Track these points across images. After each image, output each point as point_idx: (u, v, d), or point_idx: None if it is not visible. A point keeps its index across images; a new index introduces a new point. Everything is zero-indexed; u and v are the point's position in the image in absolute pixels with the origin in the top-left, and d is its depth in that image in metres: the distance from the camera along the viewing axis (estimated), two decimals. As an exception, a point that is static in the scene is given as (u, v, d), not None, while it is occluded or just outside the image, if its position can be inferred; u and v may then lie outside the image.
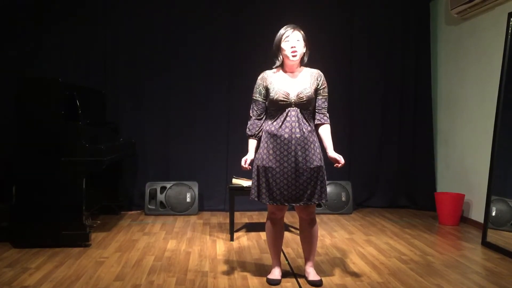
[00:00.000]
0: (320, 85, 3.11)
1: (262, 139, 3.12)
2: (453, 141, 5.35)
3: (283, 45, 3.03)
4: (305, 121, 3.05)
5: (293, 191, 3.02)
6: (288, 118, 3.02)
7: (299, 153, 3.01)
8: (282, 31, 3.06)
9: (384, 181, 5.82)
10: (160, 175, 5.55)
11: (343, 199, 5.47)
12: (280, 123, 3.03)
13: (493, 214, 4.17)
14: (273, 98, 3.04)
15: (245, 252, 3.91)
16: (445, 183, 5.54)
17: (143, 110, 5.53)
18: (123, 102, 5.50)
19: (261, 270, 3.44)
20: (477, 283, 3.19)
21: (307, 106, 3.06)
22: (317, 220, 3.28)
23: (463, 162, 5.12)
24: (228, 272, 3.41)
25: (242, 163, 3.10)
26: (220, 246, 4.09)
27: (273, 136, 3.04)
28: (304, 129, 3.03)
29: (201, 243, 4.19)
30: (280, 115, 3.05)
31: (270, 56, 3.15)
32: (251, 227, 4.78)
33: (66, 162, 3.94)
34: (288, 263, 3.61)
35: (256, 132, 3.14)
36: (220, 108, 5.59)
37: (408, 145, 5.81)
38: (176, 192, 5.39)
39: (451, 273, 3.39)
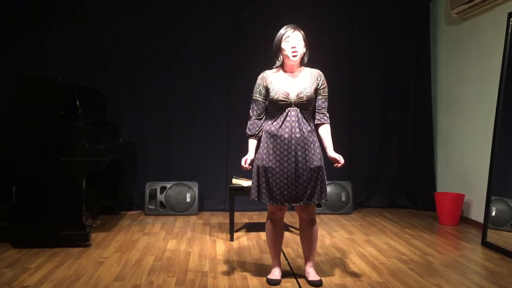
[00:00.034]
0: (320, 85, 3.11)
1: (262, 139, 3.12)
2: (453, 141, 5.35)
3: (283, 45, 3.03)
4: (305, 121, 3.05)
5: (293, 191, 3.02)
6: (288, 118, 3.02)
7: (299, 153, 3.01)
8: (282, 31, 3.06)
9: (384, 181, 5.82)
10: (160, 175, 5.55)
11: (343, 199, 5.47)
12: (280, 123, 3.03)
13: (493, 214, 4.17)
14: (273, 98, 3.04)
15: (245, 252, 3.91)
16: (445, 183, 5.55)
17: (143, 110, 5.54)
18: (123, 102, 5.50)
19: (261, 270, 3.44)
20: (477, 283, 3.19)
21: (307, 106, 3.06)
22: (317, 220, 3.28)
23: (463, 162, 5.12)
24: (228, 272, 3.41)
25: (242, 163, 3.10)
26: (220, 246, 4.10)
27: (273, 136, 3.04)
28: (304, 129, 3.03)
29: (201, 243, 4.19)
30: (280, 115, 3.05)
31: (270, 56, 3.15)
32: (251, 227, 4.78)
33: (66, 162, 3.94)
34: (288, 263, 3.61)
35: (256, 132, 3.14)
36: (220, 108, 5.59)
37: (408, 145, 5.81)
38: (176, 192, 5.39)
39: (451, 273, 3.40)
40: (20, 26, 5.23)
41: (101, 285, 3.13)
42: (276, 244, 3.23)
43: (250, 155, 3.14)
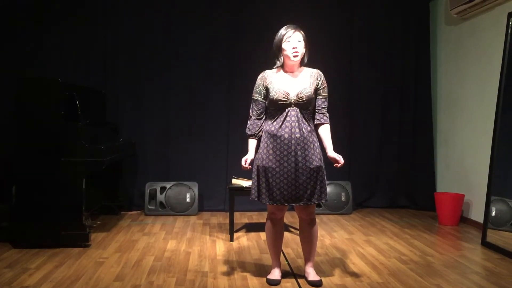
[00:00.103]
0: (320, 85, 3.11)
1: (262, 139, 3.12)
2: (453, 141, 5.35)
3: (284, 45, 3.03)
4: (304, 121, 3.05)
5: (293, 191, 3.02)
6: (288, 118, 3.02)
7: (299, 153, 3.01)
8: (283, 31, 3.06)
9: (384, 181, 5.82)
10: (160, 175, 5.55)
11: (343, 199, 5.47)
12: (280, 123, 3.03)
13: (493, 214, 4.17)
14: (273, 98, 3.04)
15: (245, 253, 3.91)
16: (445, 183, 5.54)
17: (143, 110, 5.54)
18: (123, 102, 5.50)
19: (261, 270, 3.44)
20: (477, 283, 3.19)
21: (307, 106, 3.06)
22: (317, 220, 3.28)
23: (463, 162, 5.12)
24: (228, 273, 3.41)
25: (242, 162, 3.10)
26: (220, 247, 4.10)
27: (273, 136, 3.04)
28: (303, 129, 3.03)
29: (201, 244, 4.19)
30: (280, 115, 3.05)
31: (270, 56, 3.15)
32: (251, 228, 4.78)
33: (66, 162, 3.94)
34: (288, 263, 3.61)
35: (256, 132, 3.14)
36: (220, 108, 5.59)
37: (408, 145, 5.81)
38: (176, 193, 5.39)
39: (451, 273, 3.40)
40: (20, 26, 5.23)
41: (101, 285, 3.13)
42: (276, 244, 3.23)
43: (250, 155, 3.14)
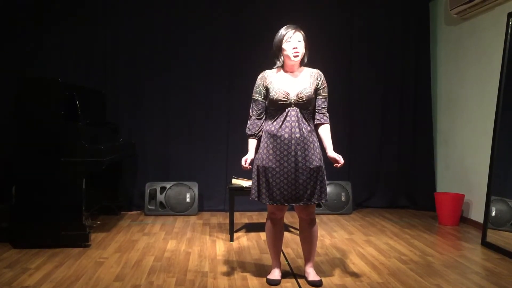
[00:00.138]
0: (320, 85, 3.11)
1: (262, 139, 3.12)
2: (453, 141, 5.35)
3: (284, 45, 3.03)
4: (304, 121, 3.05)
5: (293, 191, 3.02)
6: (288, 118, 3.02)
7: (299, 153, 3.01)
8: (283, 31, 3.06)
9: (384, 181, 5.82)
10: (160, 176, 5.55)
11: (343, 199, 5.47)
12: (280, 123, 3.03)
13: (493, 214, 4.17)
14: (273, 98, 3.04)
15: (245, 253, 3.91)
16: (445, 183, 5.54)
17: (143, 110, 5.53)
18: (123, 102, 5.50)
19: (261, 270, 3.44)
20: (477, 283, 3.19)
21: (307, 106, 3.06)
22: (317, 220, 3.28)
23: (463, 162, 5.12)
24: (228, 273, 3.41)
25: (242, 162, 3.10)
26: (220, 247, 4.10)
27: (273, 136, 3.04)
28: (303, 129, 3.03)
29: (200, 244, 4.19)
30: (280, 115, 3.05)
31: (270, 56, 3.15)
32: (251, 228, 4.78)
33: (66, 162, 3.94)
34: (288, 263, 3.61)
35: (256, 132, 3.14)
36: (220, 108, 5.59)
37: (408, 145, 5.81)
38: (176, 193, 5.39)
39: (451, 273, 3.40)
40: (20, 26, 5.23)
41: (101, 286, 3.13)
42: (276, 244, 3.23)
43: (250, 155, 3.14)
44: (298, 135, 3.01)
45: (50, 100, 4.00)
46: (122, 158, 5.10)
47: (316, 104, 3.13)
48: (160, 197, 5.36)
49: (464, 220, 5.01)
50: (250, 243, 4.19)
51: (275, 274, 3.22)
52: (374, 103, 5.79)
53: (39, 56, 5.26)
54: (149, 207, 5.34)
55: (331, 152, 3.09)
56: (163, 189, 5.38)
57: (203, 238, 4.37)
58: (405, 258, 3.75)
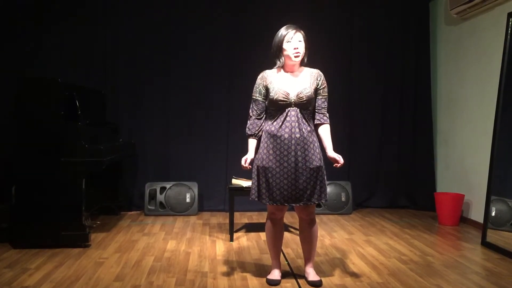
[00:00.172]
0: (320, 85, 3.11)
1: (262, 139, 3.12)
2: (453, 141, 5.35)
3: (285, 45, 3.03)
4: (304, 121, 3.05)
5: (293, 191, 3.02)
6: (288, 118, 3.02)
7: (299, 153, 3.01)
8: (283, 32, 3.05)
9: (384, 181, 5.82)
10: (160, 176, 5.55)
11: (343, 199, 5.47)
12: (280, 123, 3.03)
13: (493, 214, 4.17)
14: (273, 98, 3.04)
15: (245, 253, 3.91)
16: (445, 183, 5.54)
17: (143, 110, 5.53)
18: (123, 102, 5.50)
19: (260, 270, 3.44)
20: (477, 283, 3.19)
21: (307, 106, 3.06)
22: (317, 220, 3.28)
23: (463, 162, 5.12)
24: (228, 273, 3.41)
25: (242, 162, 3.10)
26: (219, 247, 4.09)
27: (273, 136, 3.04)
28: (303, 129, 3.03)
29: (200, 244, 4.19)
30: (280, 115, 3.05)
31: (270, 56, 3.15)
32: (250, 228, 4.78)
33: (66, 162, 3.94)
34: (288, 263, 3.61)
35: (256, 132, 3.14)
36: (220, 108, 5.59)
37: (408, 145, 5.81)
38: (176, 193, 5.38)
39: (451, 274, 3.39)
40: (20, 26, 5.23)
41: (101, 286, 3.13)
42: (276, 244, 3.23)
43: (250, 155, 3.14)
44: (298, 135, 3.01)
45: (50, 100, 4.00)
46: (122, 158, 5.10)
47: (316, 104, 3.13)
48: (160, 197, 5.36)
49: (464, 220, 5.01)
50: (250, 243, 4.19)
51: (275, 274, 3.22)
52: (374, 103, 5.79)
53: (39, 56, 5.26)
54: (149, 207, 5.34)
55: (331, 152, 3.09)
56: (163, 189, 5.38)
57: (203, 238, 4.37)
58: (405, 258, 3.75)
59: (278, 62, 3.10)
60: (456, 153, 5.28)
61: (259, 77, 3.15)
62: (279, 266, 3.26)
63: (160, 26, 5.50)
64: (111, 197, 5.30)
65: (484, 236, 4.18)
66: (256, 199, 3.10)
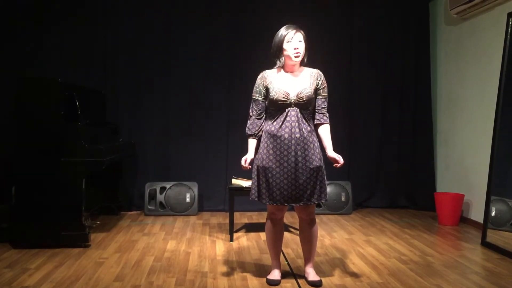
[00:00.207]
0: (320, 85, 3.11)
1: (262, 139, 3.12)
2: (453, 141, 5.35)
3: (285, 45, 3.03)
4: (304, 121, 3.05)
5: (293, 191, 3.02)
6: (288, 118, 3.02)
7: (299, 153, 3.01)
8: (283, 32, 3.05)
9: (384, 181, 5.82)
10: (160, 176, 5.55)
11: (343, 199, 5.47)
12: (280, 123, 3.03)
13: (493, 214, 4.17)
14: (273, 98, 3.04)
15: (245, 253, 3.91)
16: (445, 183, 5.54)
17: (143, 110, 5.53)
18: (123, 102, 5.50)
19: (260, 270, 3.44)
20: (477, 283, 3.19)
21: (307, 106, 3.06)
22: (317, 220, 3.28)
23: (463, 162, 5.12)
24: (228, 273, 3.41)
25: (242, 162, 3.10)
26: (219, 247, 4.10)
27: (273, 136, 3.04)
28: (303, 129, 3.03)
29: (200, 244, 4.19)
30: (280, 115, 3.05)
31: (270, 56, 3.15)
32: (250, 228, 4.78)
33: (66, 162, 3.94)
34: (288, 263, 3.61)
35: (256, 132, 3.14)
36: (220, 108, 5.59)
37: (408, 145, 5.81)
38: (176, 193, 5.38)
39: (451, 274, 3.39)
40: (20, 26, 5.23)
41: (101, 286, 3.13)
42: (275, 244, 3.23)
43: (250, 155, 3.14)
44: (298, 135, 3.01)
45: (50, 100, 4.00)
46: (122, 158, 5.10)
47: (316, 104, 3.13)
48: (160, 197, 5.36)
49: (464, 220, 5.01)
50: (250, 243, 4.19)
51: (275, 274, 3.22)
52: (374, 103, 5.79)
53: (39, 56, 5.26)
54: (149, 207, 5.34)
55: (330, 152, 3.09)
56: (163, 189, 5.38)
57: (203, 238, 4.37)
58: (405, 258, 3.75)
59: (278, 62, 3.10)
60: (456, 153, 5.28)
61: (259, 77, 3.15)
62: (279, 266, 3.26)
63: (160, 26, 5.50)
64: (111, 197, 5.30)
65: (484, 236, 4.18)
66: (256, 199, 3.10)
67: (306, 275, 3.22)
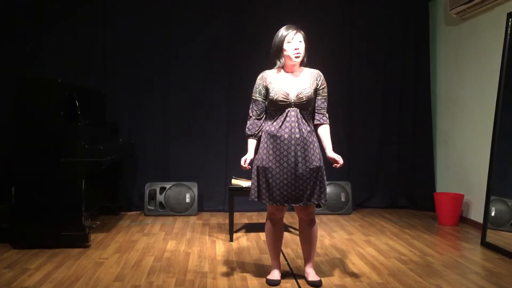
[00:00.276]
0: (319, 85, 3.11)
1: (261, 139, 3.12)
2: (453, 141, 5.35)
3: (286, 46, 3.03)
4: (304, 122, 3.05)
5: (292, 191, 3.02)
6: (287, 119, 3.02)
7: (299, 153, 3.01)
8: (284, 32, 3.05)
9: (383, 181, 5.82)
10: (160, 176, 5.55)
11: (343, 199, 5.47)
12: (280, 124, 3.03)
13: (493, 214, 4.17)
14: (273, 98, 3.04)
15: (245, 253, 3.91)
16: (444, 184, 5.55)
17: (143, 110, 5.54)
18: (123, 102, 5.50)
19: (260, 270, 3.44)
20: (477, 284, 3.19)
21: (306, 107, 3.06)
22: (317, 220, 3.28)
23: (462, 162, 5.12)
24: (228, 273, 3.41)
25: (242, 162, 3.10)
26: (219, 247, 4.10)
27: (273, 136, 3.04)
28: (303, 130, 3.03)
29: (200, 244, 4.19)
30: (279, 116, 3.05)
31: (270, 56, 3.15)
32: (250, 228, 4.78)
33: (66, 163, 3.94)
34: (288, 263, 3.61)
35: (256, 132, 3.14)
36: (220, 108, 5.59)
37: (408, 145, 5.81)
38: (176, 193, 5.39)
39: (451, 274, 3.40)
40: (20, 26, 5.23)
41: (101, 286, 3.13)
42: (275, 244, 3.23)
43: (249, 155, 3.14)
44: (298, 136, 3.01)
45: (50, 100, 4.00)
46: (122, 158, 5.10)
47: (316, 105, 3.13)
48: (160, 197, 5.36)
49: (463, 220, 5.01)
50: (250, 244, 4.19)
51: (275, 274, 3.22)
52: (374, 103, 5.79)
53: (39, 56, 5.26)
54: (148, 207, 5.34)
55: (330, 153, 3.09)
56: (162, 189, 5.38)
57: (203, 239, 4.37)
58: (405, 258, 3.75)
59: (278, 63, 3.10)
60: (456, 153, 5.28)
61: (259, 77, 3.15)
62: (279, 266, 3.27)
63: (160, 26, 5.50)
64: (111, 197, 5.30)
65: (483, 236, 4.18)
66: (256, 199, 3.11)
67: (306, 275, 3.22)
